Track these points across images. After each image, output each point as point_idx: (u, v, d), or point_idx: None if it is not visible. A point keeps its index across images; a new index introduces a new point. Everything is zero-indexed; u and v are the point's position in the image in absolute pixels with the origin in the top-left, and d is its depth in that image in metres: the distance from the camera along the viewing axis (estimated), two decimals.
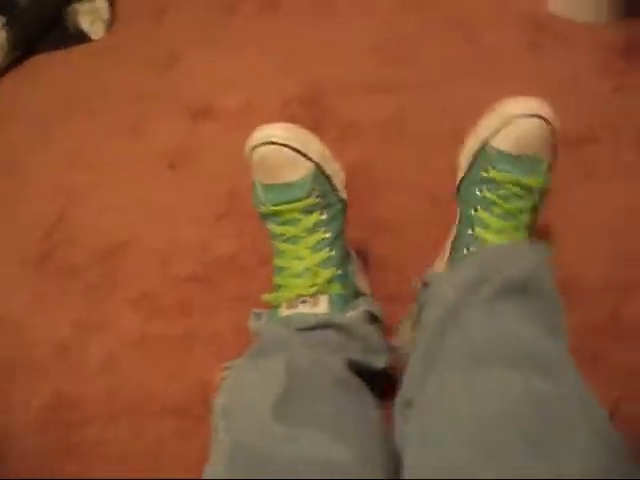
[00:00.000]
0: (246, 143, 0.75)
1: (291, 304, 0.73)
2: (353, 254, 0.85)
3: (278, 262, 0.76)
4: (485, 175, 0.72)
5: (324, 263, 0.75)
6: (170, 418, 0.84)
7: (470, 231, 0.73)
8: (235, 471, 0.52)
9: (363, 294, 0.81)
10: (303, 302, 0.73)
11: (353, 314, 0.74)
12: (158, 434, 0.83)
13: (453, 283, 0.64)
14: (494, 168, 0.71)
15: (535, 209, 0.74)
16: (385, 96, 1.21)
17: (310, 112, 1.19)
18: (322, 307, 0.73)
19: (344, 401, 0.63)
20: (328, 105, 1.20)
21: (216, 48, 1.41)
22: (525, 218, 0.72)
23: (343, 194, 0.79)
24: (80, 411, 0.87)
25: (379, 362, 0.75)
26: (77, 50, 1.51)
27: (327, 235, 0.75)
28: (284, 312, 0.73)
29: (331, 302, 0.73)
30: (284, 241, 0.75)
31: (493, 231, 0.71)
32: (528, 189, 0.72)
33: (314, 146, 0.75)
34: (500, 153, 0.71)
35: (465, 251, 0.73)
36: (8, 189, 1.20)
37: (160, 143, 1.20)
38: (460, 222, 0.76)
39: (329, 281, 0.74)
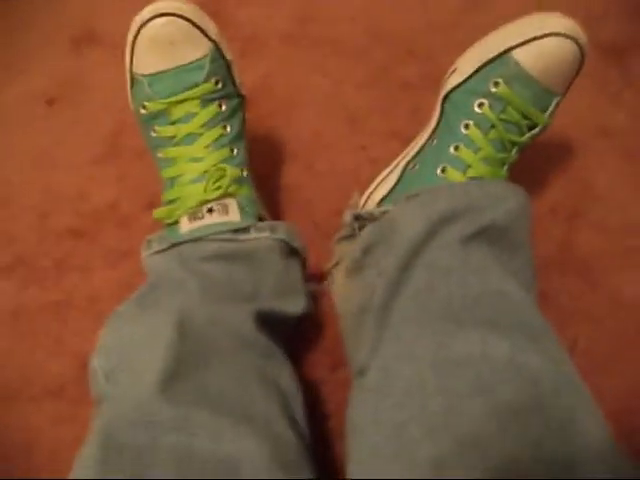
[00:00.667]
0: (130, 29, 0.63)
1: (195, 216, 0.60)
2: None
3: (168, 172, 0.64)
4: (493, 90, 0.60)
5: (226, 161, 0.63)
6: (47, 402, 0.73)
7: (453, 150, 0.62)
8: (107, 470, 0.41)
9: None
10: (210, 211, 0.60)
11: (265, 236, 0.62)
12: (33, 423, 0.72)
13: (429, 217, 0.52)
14: (507, 84, 0.60)
15: (524, 148, 0.63)
16: (289, 1, 1.03)
17: None
18: (233, 214, 0.61)
19: (249, 370, 0.52)
20: (227, 17, 1.03)
21: None
22: (514, 155, 0.63)
23: (241, 89, 0.68)
24: None
25: (296, 306, 0.63)
26: None
27: (227, 131, 0.64)
28: (186, 227, 0.61)
29: (240, 208, 0.61)
30: (175, 144, 0.62)
31: (480, 157, 0.60)
32: (531, 124, 0.62)
33: (212, 24, 0.64)
34: (519, 69, 0.60)
35: (439, 171, 0.61)
36: None
37: (37, 79, 1.04)
38: (437, 136, 0.65)
39: (237, 181, 0.62)
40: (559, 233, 0.78)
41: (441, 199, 0.54)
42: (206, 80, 0.62)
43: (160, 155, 0.64)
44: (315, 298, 0.72)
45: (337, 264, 0.67)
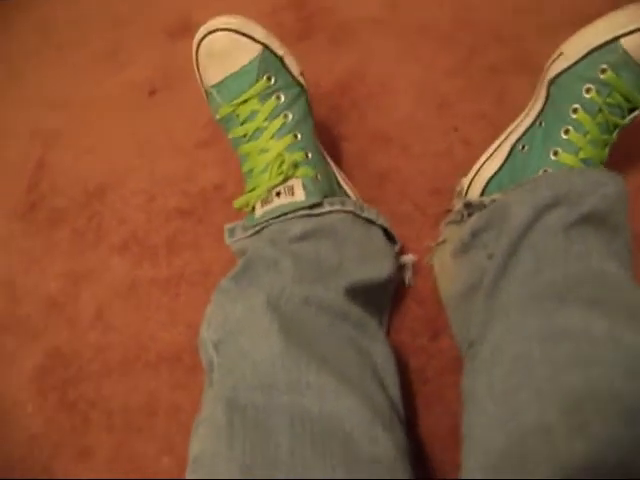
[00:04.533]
0: (192, 50, 0.71)
1: (266, 201, 0.66)
2: (330, 161, 0.78)
3: (245, 167, 0.70)
4: (601, 76, 0.63)
5: (290, 148, 0.68)
6: (164, 369, 0.79)
7: (563, 134, 0.65)
8: (233, 429, 0.46)
9: (348, 195, 0.76)
10: (278, 195, 0.66)
11: (337, 209, 0.67)
12: (152, 387, 0.78)
13: (534, 203, 0.56)
14: (614, 71, 0.62)
15: (624, 128, 0.65)
16: None
17: (298, 16, 1.07)
18: (299, 194, 0.66)
19: (343, 341, 0.57)
20: (318, 7, 1.07)
21: None
22: (615, 137, 0.65)
23: (300, 79, 0.73)
24: (75, 368, 0.83)
25: (381, 271, 0.68)
26: None
27: (289, 118, 0.69)
28: (259, 211, 0.66)
29: (305, 188, 0.66)
30: (247, 141, 0.69)
31: (588, 140, 0.63)
32: (634, 107, 0.64)
33: (259, 29, 0.69)
34: (627, 57, 0.62)
35: (553, 156, 0.64)
36: None
37: (139, 70, 1.11)
38: (545, 117, 0.68)
39: (296, 165, 0.67)
40: None
41: (545, 187, 0.57)
42: (258, 78, 0.68)
43: (240, 151, 0.71)
44: (415, 270, 0.75)
45: (443, 242, 0.72)
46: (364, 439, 0.47)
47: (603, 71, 0.63)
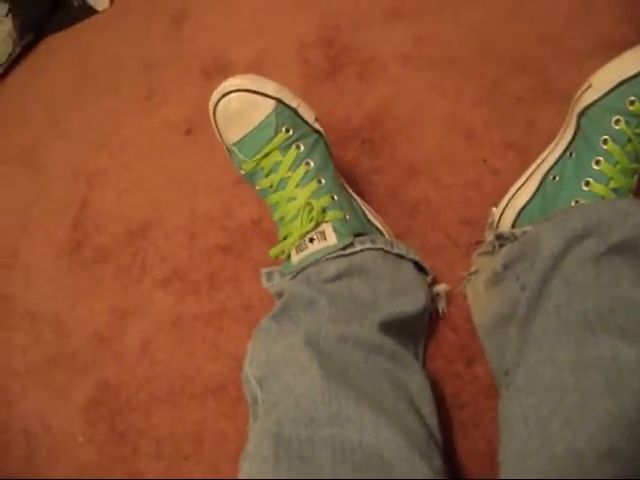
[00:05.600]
0: (210, 113, 0.74)
1: (300, 247, 0.70)
2: (355, 195, 0.81)
3: (276, 215, 0.74)
4: (630, 108, 0.65)
5: (316, 194, 0.71)
6: (209, 399, 0.82)
7: (594, 164, 0.67)
8: (279, 461, 0.49)
9: (377, 229, 0.79)
10: (311, 240, 0.69)
11: (368, 247, 0.70)
12: (199, 417, 0.82)
13: (564, 235, 0.58)
14: None
15: None
16: (403, 24, 1.10)
17: (326, 53, 1.11)
18: (331, 238, 0.69)
19: (379, 374, 0.60)
20: (344, 43, 1.11)
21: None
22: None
23: (316, 125, 0.76)
24: (123, 399, 0.87)
25: (414, 304, 0.70)
26: (85, 25, 1.47)
27: (311, 166, 0.72)
28: (295, 258, 0.70)
29: (336, 231, 0.70)
30: (274, 191, 0.73)
31: (618, 169, 0.65)
32: None
33: (270, 84, 0.73)
34: None
35: (585, 187, 0.66)
36: (30, 182, 1.18)
37: (175, 110, 1.15)
38: (576, 148, 0.70)
39: (324, 209, 0.71)
40: None
41: (575, 218, 0.59)
42: (277, 131, 0.71)
43: (268, 201, 0.74)
44: (449, 298, 0.78)
45: (475, 272, 0.74)
46: (402, 466, 0.50)
47: (632, 103, 0.65)
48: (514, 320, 0.59)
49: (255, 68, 1.15)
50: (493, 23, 1.04)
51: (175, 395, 0.84)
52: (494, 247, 0.71)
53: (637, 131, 0.65)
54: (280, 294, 0.69)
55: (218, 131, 0.75)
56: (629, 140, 0.65)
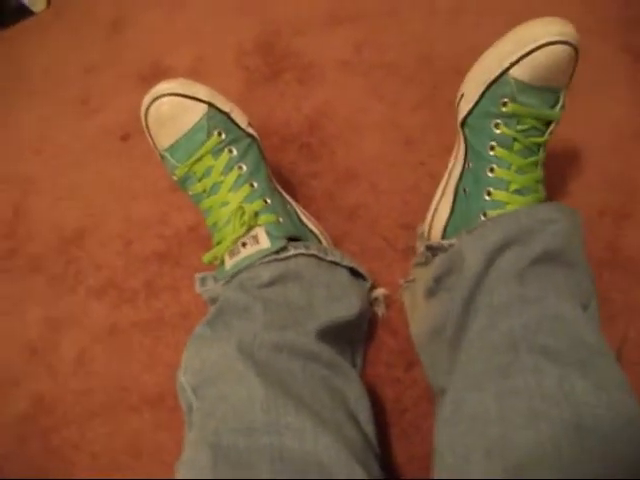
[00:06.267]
0: (142, 118, 0.73)
1: (233, 252, 0.69)
2: (289, 199, 0.80)
3: (209, 221, 0.72)
4: (504, 110, 0.64)
5: (248, 198, 0.70)
6: (146, 410, 0.81)
7: (490, 173, 0.66)
8: (217, 471, 0.48)
9: (312, 232, 0.78)
10: (244, 245, 0.68)
11: (302, 252, 0.69)
12: (136, 428, 0.80)
13: (485, 249, 0.58)
14: (514, 101, 0.63)
15: (547, 142, 0.67)
16: (344, 29, 1.10)
17: (265, 59, 1.10)
18: (263, 242, 0.68)
19: (316, 381, 0.59)
20: (284, 49, 1.10)
21: (161, 5, 1.31)
22: (542, 154, 0.66)
23: (249, 130, 0.75)
24: (58, 413, 0.84)
25: (350, 309, 0.70)
26: (20, 27, 1.42)
27: (244, 170, 0.71)
28: (228, 263, 0.69)
29: (269, 234, 0.69)
30: (207, 196, 0.71)
31: (514, 170, 0.65)
32: (547, 122, 0.65)
33: (201, 88, 0.72)
34: (521, 85, 0.63)
35: (487, 196, 0.66)
36: None
37: (111, 116, 1.13)
38: (470, 160, 0.69)
39: (257, 213, 0.70)
40: (608, 234, 0.81)
41: (494, 230, 0.59)
42: (209, 135, 0.70)
43: (201, 206, 0.73)
44: (387, 303, 0.78)
45: (413, 281, 0.75)
46: (341, 473, 0.49)
47: (504, 104, 0.64)
48: (445, 337, 0.60)
49: (194, 73, 1.14)
50: (432, 30, 1.05)
51: (111, 408, 0.82)
52: (427, 258, 0.71)
53: (519, 128, 0.64)
54: (214, 300, 0.68)
55: (150, 137, 0.73)
56: (515, 139, 0.64)
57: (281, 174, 0.92)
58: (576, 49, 0.62)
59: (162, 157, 0.74)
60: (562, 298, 0.55)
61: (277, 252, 0.67)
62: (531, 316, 0.53)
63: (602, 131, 0.89)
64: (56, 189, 1.06)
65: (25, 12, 1.45)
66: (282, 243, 0.68)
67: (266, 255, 0.67)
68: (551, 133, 0.66)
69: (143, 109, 0.72)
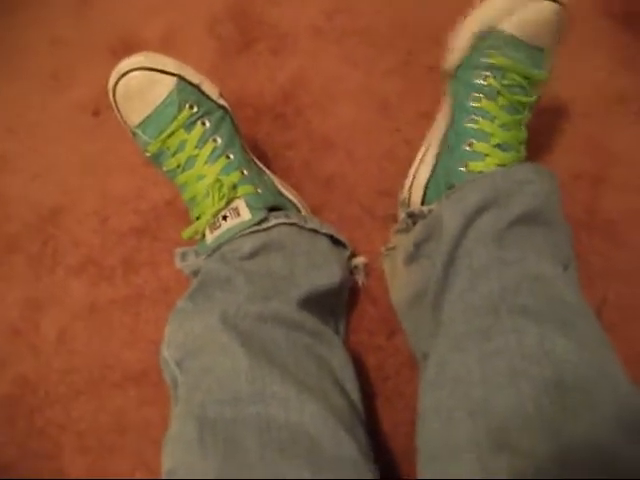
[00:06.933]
0: (109, 95, 0.72)
1: (214, 226, 0.68)
2: (265, 169, 0.79)
3: (186, 195, 0.72)
4: (491, 61, 0.65)
5: (225, 170, 0.70)
6: (130, 387, 0.81)
7: (472, 124, 0.67)
8: (204, 444, 0.49)
9: (290, 201, 0.78)
10: (224, 218, 0.68)
11: (282, 221, 0.69)
12: (120, 405, 0.80)
13: (464, 212, 0.58)
14: (502, 54, 0.65)
15: (534, 105, 0.68)
16: None
17: (238, 28, 1.08)
18: (244, 213, 0.68)
19: (300, 349, 0.59)
20: (257, 18, 1.08)
21: None
22: (527, 115, 0.68)
23: (220, 101, 0.74)
24: (42, 393, 0.84)
25: (331, 277, 0.70)
26: None
27: (218, 142, 0.70)
28: (210, 237, 0.68)
29: (249, 206, 0.68)
30: (182, 171, 0.70)
31: (498, 124, 0.66)
32: (533, 83, 0.67)
33: (169, 61, 0.70)
34: (510, 38, 0.65)
35: (467, 147, 0.67)
36: None
37: (82, 90, 1.10)
38: (454, 114, 0.70)
39: (235, 185, 0.69)
40: (585, 197, 0.83)
41: (472, 193, 0.59)
42: (180, 109, 0.69)
43: (176, 182, 0.72)
44: (367, 271, 0.78)
45: (393, 248, 0.75)
46: (328, 442, 0.50)
47: (492, 56, 0.65)
48: (427, 301, 0.60)
49: (165, 45, 1.12)
50: None
51: (95, 385, 0.82)
52: (407, 224, 0.71)
53: (505, 82, 0.65)
54: (196, 273, 0.68)
55: (120, 113, 0.72)
56: (499, 93, 0.66)
57: (257, 146, 0.91)
58: (565, 6, 0.63)
59: (133, 134, 0.73)
60: (541, 258, 0.55)
61: (259, 223, 0.67)
62: (510, 278, 0.54)
63: (582, 95, 0.89)
64: (30, 168, 1.04)
65: None
66: (263, 214, 0.68)
67: (248, 227, 0.66)
68: (537, 95, 0.67)
69: (110, 86, 0.70)
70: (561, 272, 0.56)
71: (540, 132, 0.85)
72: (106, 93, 0.72)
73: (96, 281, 0.89)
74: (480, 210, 0.58)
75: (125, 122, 0.72)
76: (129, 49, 1.10)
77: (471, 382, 0.50)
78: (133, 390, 0.80)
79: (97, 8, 1.25)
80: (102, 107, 1.06)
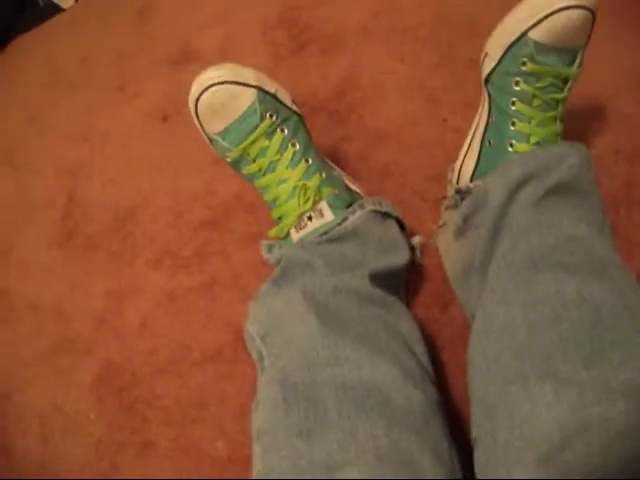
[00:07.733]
0: (189, 106, 0.75)
1: (299, 226, 0.75)
2: (331, 163, 0.85)
3: (268, 197, 0.77)
4: (523, 69, 0.69)
5: (307, 174, 0.75)
6: (208, 365, 0.88)
7: (512, 126, 0.72)
8: (288, 404, 0.55)
9: (359, 194, 0.83)
10: (310, 219, 0.74)
11: (358, 215, 0.75)
12: (200, 382, 0.88)
13: (507, 185, 0.64)
14: (533, 61, 0.68)
15: (567, 98, 0.72)
16: None
17: (289, 33, 1.15)
18: (328, 215, 0.74)
19: (372, 318, 0.65)
20: (306, 21, 1.15)
21: None
22: (561, 108, 0.71)
23: (294, 107, 0.78)
24: (128, 374, 0.92)
25: (399, 259, 0.76)
26: (52, 23, 1.50)
27: (297, 147, 0.75)
28: (295, 236, 0.75)
29: (331, 206, 0.74)
30: (264, 175, 0.75)
31: (534, 124, 0.70)
32: (565, 80, 0.70)
33: (248, 73, 0.74)
34: (540, 46, 0.68)
35: (510, 148, 0.72)
36: (14, 180, 1.22)
37: (148, 99, 1.19)
38: (494, 114, 0.75)
39: (319, 187, 0.74)
40: (623, 172, 0.86)
41: (515, 167, 0.65)
42: (262, 119, 0.73)
43: (257, 185, 0.77)
44: (422, 250, 0.84)
45: (444, 225, 0.81)
46: (399, 397, 0.56)
47: (524, 64, 0.69)
48: (474, 268, 0.66)
49: (223, 53, 1.20)
50: None
51: (176, 365, 0.90)
52: (456, 201, 0.77)
53: (539, 85, 0.69)
54: (279, 262, 0.73)
55: (200, 123, 0.75)
56: (534, 96, 0.70)
57: (315, 141, 0.97)
58: (592, 11, 0.66)
59: (211, 140, 0.77)
60: (577, 221, 0.61)
61: (340, 223, 0.73)
62: (548, 238, 0.59)
63: (616, 76, 0.93)
64: (105, 172, 1.13)
65: (55, 9, 1.52)
66: (344, 213, 0.74)
67: (331, 227, 0.73)
68: (570, 89, 0.71)
69: (192, 99, 0.73)
70: (595, 232, 0.61)
71: (578, 113, 0.89)
72: (171, 100, 0.79)
73: (173, 271, 0.97)
74: (521, 183, 0.63)
75: (203, 129, 0.76)
76: (189, 59, 1.20)
77: (515, 327, 0.55)
78: (211, 367, 0.87)
79: (156, 22, 1.35)
80: (169, 113, 1.14)
